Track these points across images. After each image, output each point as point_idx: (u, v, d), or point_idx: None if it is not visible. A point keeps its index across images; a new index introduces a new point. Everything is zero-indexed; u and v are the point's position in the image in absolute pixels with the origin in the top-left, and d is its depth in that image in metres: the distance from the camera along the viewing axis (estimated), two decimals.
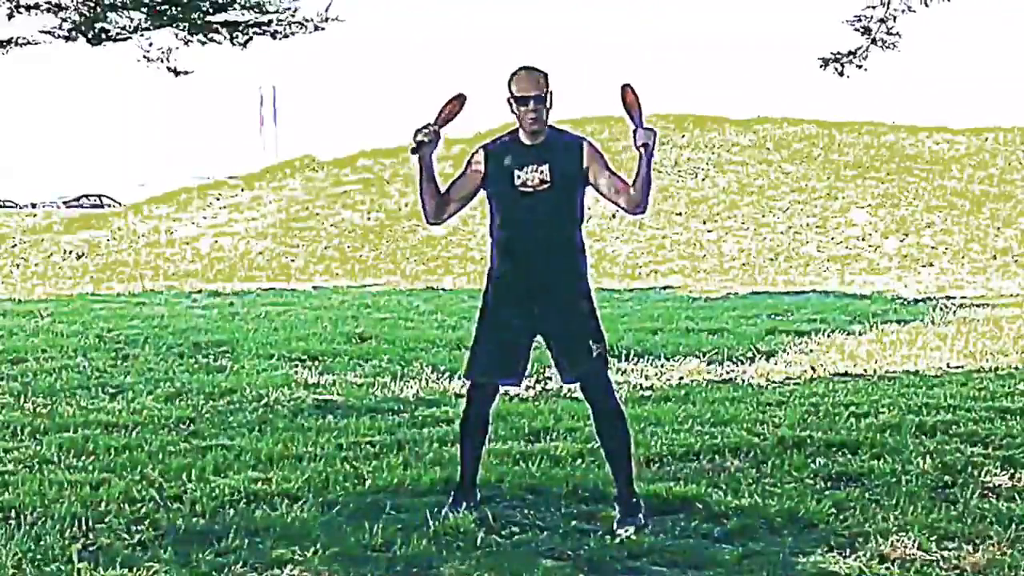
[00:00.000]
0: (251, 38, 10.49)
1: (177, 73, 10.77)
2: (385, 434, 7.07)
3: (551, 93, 5.20)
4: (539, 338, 5.36)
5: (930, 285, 19.08)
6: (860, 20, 10.03)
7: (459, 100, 5.33)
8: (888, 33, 10.00)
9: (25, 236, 26.36)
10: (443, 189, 5.30)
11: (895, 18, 9.95)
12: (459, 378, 8.95)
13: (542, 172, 5.17)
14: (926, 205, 25.46)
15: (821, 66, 10.27)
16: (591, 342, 5.20)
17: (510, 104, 5.20)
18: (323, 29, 10.44)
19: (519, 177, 5.18)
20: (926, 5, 9.81)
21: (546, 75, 5.20)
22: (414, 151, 5.20)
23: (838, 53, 10.15)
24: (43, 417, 7.50)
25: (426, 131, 5.18)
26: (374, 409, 7.91)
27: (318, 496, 5.60)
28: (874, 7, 9.98)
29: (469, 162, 5.34)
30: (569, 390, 8.28)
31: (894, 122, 31.90)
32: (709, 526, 5.17)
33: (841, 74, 10.18)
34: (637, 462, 5.65)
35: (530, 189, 5.17)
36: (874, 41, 10.03)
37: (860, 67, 10.17)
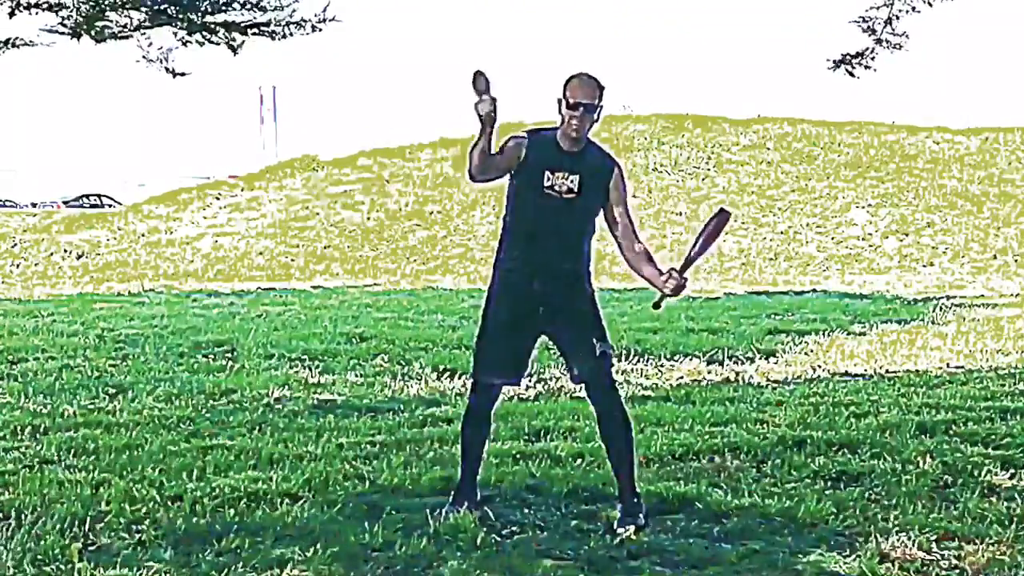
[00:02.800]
0: (244, 42, 10.50)
1: (175, 74, 10.77)
2: (385, 434, 7.07)
3: (601, 107, 5.20)
4: (543, 338, 5.38)
5: (930, 285, 19.08)
6: (866, 21, 10.07)
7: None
8: (894, 34, 10.03)
9: (25, 236, 26.35)
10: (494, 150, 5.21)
11: (898, 18, 9.98)
12: (460, 377, 8.96)
13: (572, 181, 5.17)
14: (926, 205, 25.47)
15: (831, 68, 10.33)
16: (594, 340, 5.22)
17: (559, 105, 5.18)
18: (320, 30, 10.46)
19: (549, 179, 5.18)
20: (930, 5, 9.83)
21: (603, 87, 5.18)
22: (481, 107, 5.02)
23: (847, 54, 10.21)
24: (43, 417, 7.50)
25: (485, 102, 5.01)
26: (374, 409, 7.91)
27: (318, 496, 5.61)
28: (878, 8, 10.01)
29: (509, 141, 5.25)
30: (569, 390, 8.29)
31: (894, 122, 31.90)
32: (709, 526, 5.18)
33: (852, 75, 10.23)
34: (637, 462, 5.65)
35: (555, 194, 5.18)
36: (879, 42, 10.06)
37: (868, 68, 10.22)
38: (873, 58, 10.16)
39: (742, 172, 27.74)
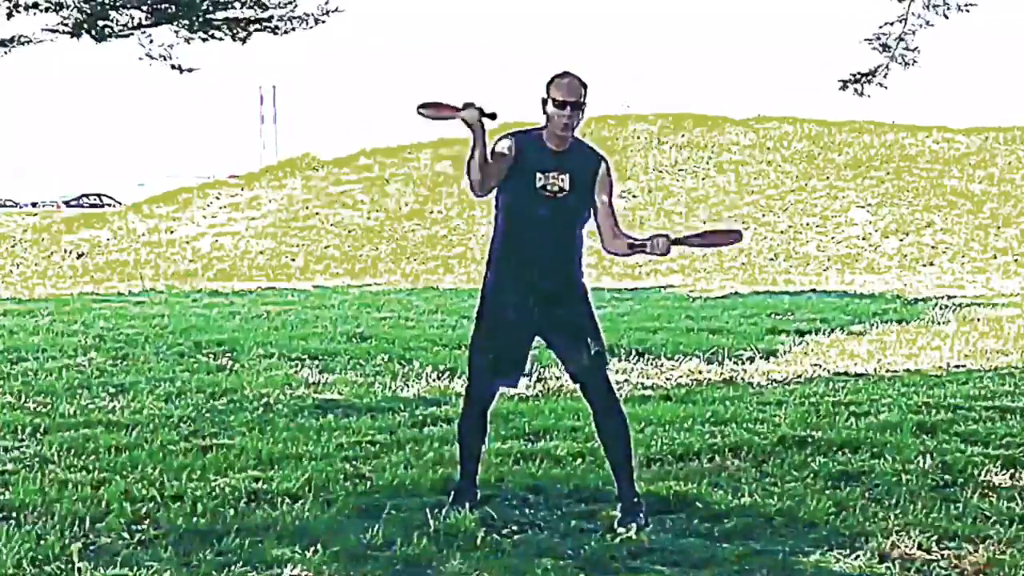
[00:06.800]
0: (251, 34, 10.49)
1: (182, 70, 10.76)
2: (385, 433, 7.07)
3: (585, 105, 5.21)
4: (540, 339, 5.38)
5: (930, 285, 19.07)
6: (879, 38, 10.01)
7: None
8: (907, 50, 9.98)
9: (25, 236, 26.35)
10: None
11: (914, 33, 9.93)
12: (460, 377, 8.95)
13: (563, 180, 5.18)
14: (926, 205, 25.45)
15: (841, 87, 10.29)
16: (589, 340, 5.22)
17: (544, 104, 5.17)
18: (324, 22, 10.46)
19: (540, 179, 5.17)
20: (946, 17, 9.78)
21: (586, 85, 5.20)
22: (487, 116, 5.02)
23: (858, 73, 10.17)
24: (44, 416, 7.50)
25: (468, 109, 5.01)
26: (374, 409, 7.91)
27: (318, 496, 5.60)
28: (891, 23, 9.95)
29: (496, 146, 5.22)
30: (569, 390, 8.29)
31: (894, 122, 31.86)
32: (709, 526, 5.17)
33: (861, 94, 10.19)
34: (637, 462, 5.65)
35: (548, 194, 5.18)
36: (893, 58, 10.01)
37: (881, 86, 10.18)
38: (885, 75, 10.10)
39: (742, 172, 27.73)
